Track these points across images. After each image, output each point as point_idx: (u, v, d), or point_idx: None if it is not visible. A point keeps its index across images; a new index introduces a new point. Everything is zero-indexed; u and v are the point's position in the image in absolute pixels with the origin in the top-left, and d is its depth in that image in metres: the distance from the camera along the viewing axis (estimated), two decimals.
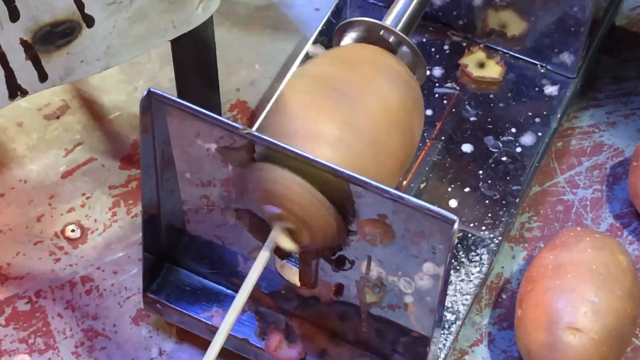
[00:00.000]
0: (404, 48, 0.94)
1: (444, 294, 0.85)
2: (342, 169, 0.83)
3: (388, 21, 0.95)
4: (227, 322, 0.84)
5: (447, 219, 0.81)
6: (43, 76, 0.94)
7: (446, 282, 0.84)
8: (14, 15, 0.89)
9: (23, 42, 0.91)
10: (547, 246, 1.02)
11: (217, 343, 0.83)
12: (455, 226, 0.81)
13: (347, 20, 0.94)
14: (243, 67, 1.17)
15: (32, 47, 0.92)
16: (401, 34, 0.94)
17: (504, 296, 1.04)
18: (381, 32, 0.94)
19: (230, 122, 0.85)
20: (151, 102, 0.87)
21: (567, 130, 1.13)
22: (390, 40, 0.94)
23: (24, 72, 0.93)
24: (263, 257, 0.85)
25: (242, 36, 1.19)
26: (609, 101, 1.15)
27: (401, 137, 0.89)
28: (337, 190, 0.84)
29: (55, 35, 0.92)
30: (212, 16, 1.01)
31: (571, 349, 0.95)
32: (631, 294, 0.98)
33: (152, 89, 0.86)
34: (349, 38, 0.95)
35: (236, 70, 1.16)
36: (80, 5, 0.91)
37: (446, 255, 0.83)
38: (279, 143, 0.84)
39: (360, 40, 0.95)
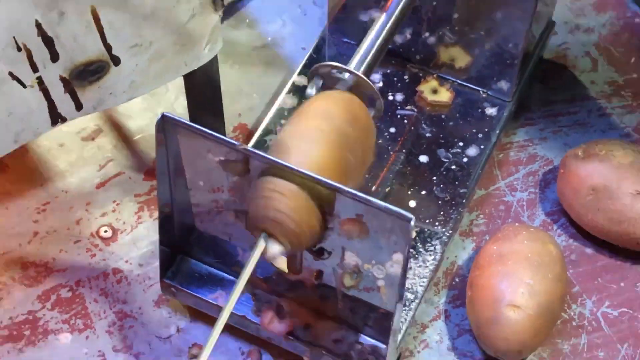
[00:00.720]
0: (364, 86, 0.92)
1: (404, 277, 0.85)
2: (323, 178, 0.82)
3: (352, 65, 0.93)
4: (230, 302, 0.83)
5: (405, 217, 0.81)
6: (79, 106, 0.94)
7: (406, 268, 0.84)
8: (55, 57, 0.88)
9: (62, 79, 0.90)
10: (491, 239, 1.02)
11: (221, 319, 0.83)
12: (412, 223, 0.80)
13: (320, 64, 0.93)
14: (243, 96, 1.16)
15: (69, 83, 0.91)
16: (362, 76, 0.92)
17: (457, 280, 1.04)
18: (346, 75, 0.92)
19: (228, 139, 0.85)
20: (164, 123, 0.87)
21: (506, 144, 1.13)
22: (353, 80, 0.91)
23: (63, 103, 0.92)
24: (254, 258, 0.85)
25: (242, 71, 1.18)
26: (541, 120, 1.15)
27: (355, 157, 0.88)
28: (320, 196, 0.84)
29: (88, 73, 0.91)
30: (216, 55, 1.00)
31: (511, 322, 0.95)
32: (560, 278, 0.98)
33: (165, 113, 0.86)
34: (320, 78, 0.93)
35: (238, 99, 1.15)
36: (108, 48, 0.91)
37: (405, 246, 0.83)
38: (270, 157, 0.83)
39: (329, 79, 0.92)
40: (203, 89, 1.04)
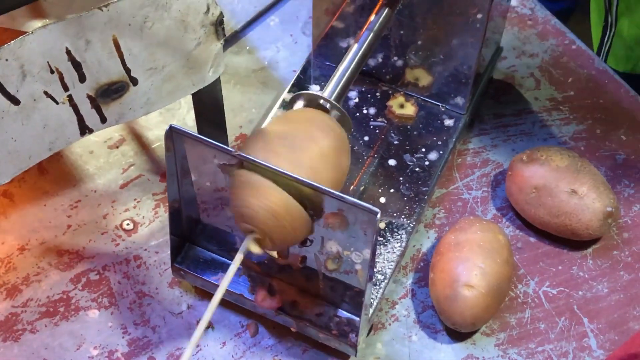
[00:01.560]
0: (336, 110, 0.91)
1: (373, 260, 0.85)
2: (301, 177, 0.81)
3: (326, 93, 0.92)
4: (223, 284, 0.83)
5: (373, 210, 0.80)
6: (103, 119, 0.93)
7: (374, 252, 0.84)
8: (82, 78, 0.88)
9: (89, 97, 0.90)
10: (450, 230, 1.01)
11: (217, 294, 0.83)
12: (378, 216, 0.80)
13: (298, 92, 0.92)
14: (244, 111, 1.15)
15: (95, 100, 0.90)
16: (334, 102, 0.91)
17: (422, 264, 1.03)
18: (321, 101, 0.91)
19: (224, 146, 0.84)
20: (172, 133, 0.86)
21: (464, 150, 1.12)
22: (327, 105, 0.91)
23: (90, 117, 0.92)
24: (238, 258, 0.84)
25: (243, 90, 1.17)
26: (493, 130, 1.14)
27: (332, 169, 0.86)
28: (304, 195, 0.83)
29: (111, 91, 0.91)
30: (219, 77, 0.99)
31: (466, 299, 0.95)
32: (507, 262, 0.98)
33: (172, 125, 0.86)
34: (300, 103, 0.92)
35: (239, 113, 1.14)
36: (128, 71, 0.90)
37: (373, 235, 0.82)
38: (259, 160, 0.82)
39: (307, 104, 0.91)
40: (208, 105, 1.03)
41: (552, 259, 1.04)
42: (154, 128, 1.13)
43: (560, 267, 1.04)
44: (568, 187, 1.01)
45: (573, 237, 1.03)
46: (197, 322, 0.98)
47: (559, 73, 1.18)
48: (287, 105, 0.93)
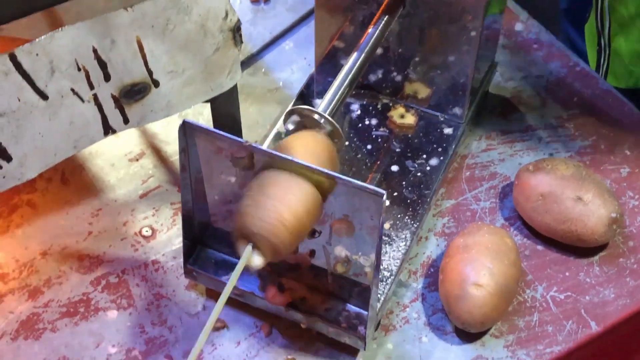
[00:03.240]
0: (329, 124, 0.93)
1: (379, 246, 0.86)
2: (315, 167, 0.83)
3: (321, 108, 0.94)
4: (225, 293, 0.83)
5: (378, 192, 0.82)
6: (126, 120, 0.96)
7: (380, 237, 0.85)
8: (107, 78, 0.91)
9: (113, 96, 0.93)
10: (459, 234, 1.03)
11: (224, 294, 0.83)
12: (384, 197, 0.82)
13: (294, 107, 0.93)
14: (259, 127, 1.18)
15: (118, 100, 0.94)
16: (328, 117, 0.93)
17: (432, 270, 1.06)
18: (315, 116, 0.92)
19: (234, 137, 0.86)
20: (185, 128, 0.88)
21: (472, 164, 1.15)
22: (322, 121, 0.92)
23: (114, 116, 0.95)
24: (238, 269, 0.83)
25: (259, 108, 1.20)
26: (500, 146, 1.17)
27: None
28: (316, 184, 0.85)
29: (134, 92, 0.94)
30: (236, 87, 1.03)
31: (475, 298, 0.97)
32: (514, 264, 1.00)
33: (186, 120, 0.88)
34: (293, 120, 0.93)
35: (255, 130, 1.18)
36: (150, 73, 0.94)
37: (379, 219, 0.84)
38: (272, 151, 0.84)
39: (302, 117, 0.93)
40: (225, 115, 1.06)
41: (560, 266, 1.07)
42: (173, 143, 1.17)
43: (567, 274, 1.06)
44: (573, 194, 1.04)
45: (579, 244, 1.06)
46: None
47: (564, 93, 1.22)
48: (284, 119, 0.95)
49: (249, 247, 0.84)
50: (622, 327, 1.02)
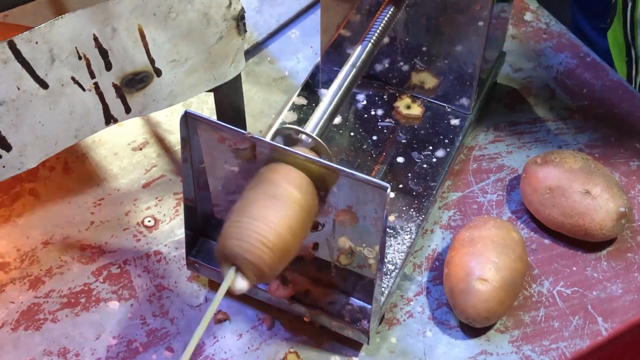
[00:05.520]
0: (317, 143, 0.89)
1: (384, 239, 0.85)
2: (317, 159, 0.83)
3: (308, 128, 0.90)
4: (206, 317, 0.80)
5: (383, 186, 0.82)
6: (128, 110, 0.95)
7: (384, 230, 0.84)
8: (109, 66, 0.91)
9: (114, 85, 0.92)
10: (464, 227, 1.02)
11: (206, 317, 0.80)
12: (388, 191, 0.81)
13: (284, 126, 0.89)
14: (264, 117, 1.18)
15: (120, 89, 0.93)
16: (315, 136, 0.88)
17: (437, 263, 1.05)
18: (302, 136, 0.88)
19: (236, 128, 0.85)
20: (187, 119, 0.88)
21: (479, 156, 1.14)
22: (309, 140, 0.88)
23: (115, 106, 0.94)
24: (221, 292, 0.81)
25: (264, 97, 1.20)
26: (508, 138, 1.16)
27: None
28: (315, 176, 0.84)
29: (136, 81, 0.93)
30: (240, 77, 1.02)
31: (480, 292, 0.96)
32: (521, 258, 0.99)
33: (188, 111, 0.87)
34: (282, 136, 0.89)
35: (259, 119, 1.17)
36: (152, 61, 0.93)
37: (383, 212, 0.83)
38: (274, 143, 0.83)
39: (293, 133, 0.88)
40: (229, 105, 1.06)
41: (566, 260, 1.06)
42: (176, 132, 1.16)
43: (574, 268, 1.05)
44: (581, 187, 1.03)
45: (587, 238, 1.05)
46: (214, 315, 1.01)
47: (573, 84, 1.21)
48: (273, 138, 0.90)
49: (232, 271, 0.81)
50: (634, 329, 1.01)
